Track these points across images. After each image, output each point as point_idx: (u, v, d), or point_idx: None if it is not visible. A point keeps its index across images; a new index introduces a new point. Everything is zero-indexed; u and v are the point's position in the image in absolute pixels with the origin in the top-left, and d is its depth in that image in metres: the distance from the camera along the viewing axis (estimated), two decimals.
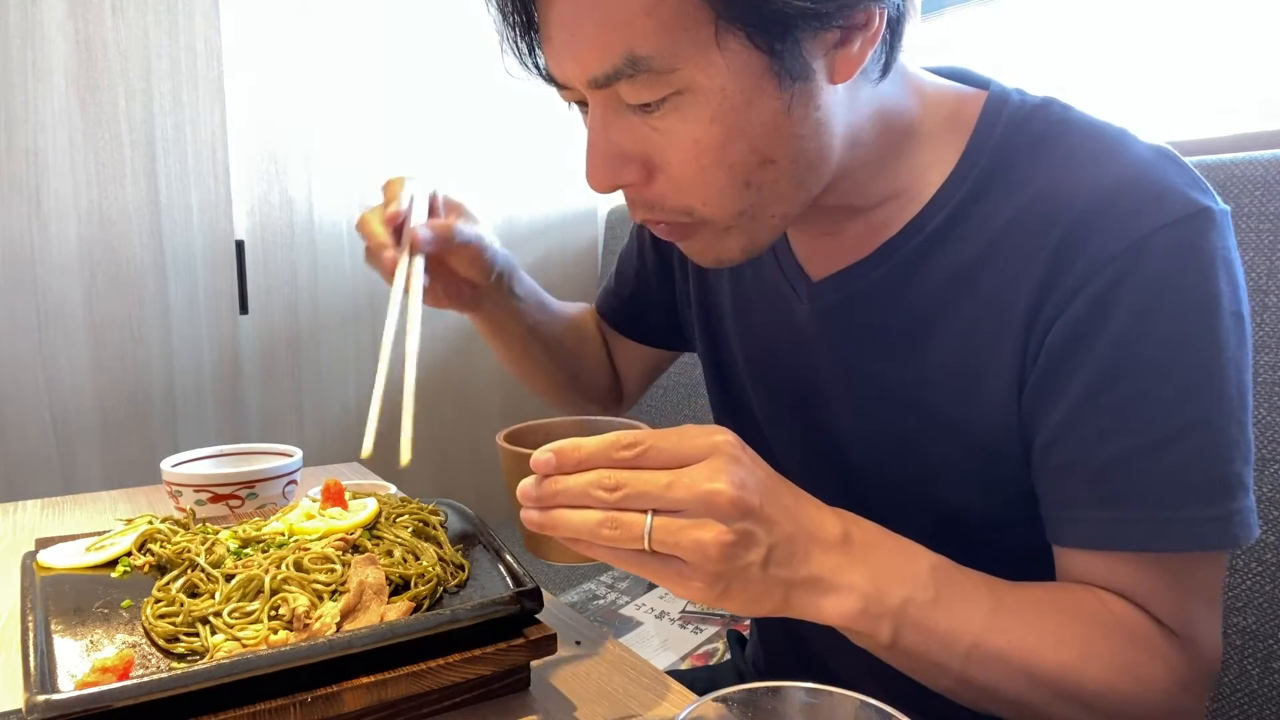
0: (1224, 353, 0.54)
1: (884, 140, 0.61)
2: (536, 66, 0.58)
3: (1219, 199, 0.56)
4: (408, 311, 0.69)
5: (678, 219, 0.58)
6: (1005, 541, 0.63)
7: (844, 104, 0.57)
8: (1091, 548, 0.57)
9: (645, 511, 0.46)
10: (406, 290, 0.70)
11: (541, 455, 0.48)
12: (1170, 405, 0.54)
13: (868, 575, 0.51)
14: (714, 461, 0.47)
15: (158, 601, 0.56)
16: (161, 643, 0.53)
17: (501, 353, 0.93)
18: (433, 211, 0.78)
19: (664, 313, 0.92)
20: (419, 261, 0.72)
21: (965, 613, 0.53)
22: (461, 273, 0.79)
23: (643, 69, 0.51)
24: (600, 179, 0.57)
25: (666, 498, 0.46)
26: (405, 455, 0.61)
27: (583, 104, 0.58)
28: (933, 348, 0.62)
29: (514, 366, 0.94)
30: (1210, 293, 0.54)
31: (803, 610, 0.50)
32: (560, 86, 0.57)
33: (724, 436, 0.48)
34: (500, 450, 0.54)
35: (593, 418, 0.60)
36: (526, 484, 0.48)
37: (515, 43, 0.57)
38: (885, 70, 0.58)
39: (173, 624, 0.54)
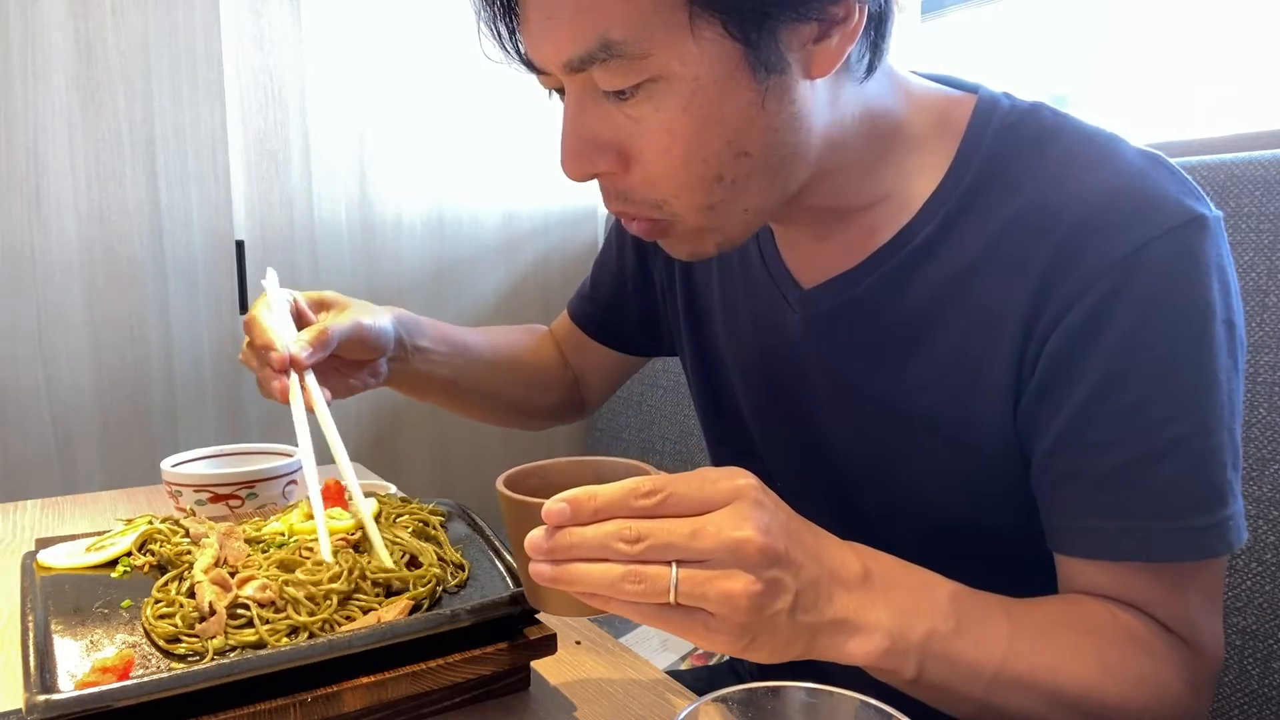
0: (1217, 360, 0.54)
1: (870, 141, 0.61)
2: (517, 51, 0.57)
3: (1211, 205, 0.56)
4: (325, 425, 0.70)
5: (648, 213, 0.58)
6: (997, 549, 0.63)
7: (824, 101, 0.57)
8: (1096, 557, 0.57)
9: (669, 563, 0.44)
10: (310, 410, 0.71)
11: (554, 505, 0.45)
12: (1169, 415, 0.54)
13: (890, 612, 0.50)
14: (738, 507, 0.45)
15: (157, 602, 0.56)
16: (162, 643, 0.53)
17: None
18: (302, 317, 0.77)
19: (640, 319, 0.91)
20: (309, 377, 0.72)
21: (987, 640, 0.52)
22: (355, 359, 0.79)
23: (616, 53, 0.51)
24: (574, 166, 0.57)
25: (692, 548, 0.43)
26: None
27: (561, 91, 0.57)
28: (925, 355, 0.62)
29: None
30: (1205, 301, 0.54)
31: (827, 653, 0.48)
32: (539, 72, 0.57)
33: (745, 480, 0.47)
34: (502, 498, 0.51)
35: (591, 458, 0.57)
36: (537, 536, 0.45)
37: (495, 26, 0.57)
38: (870, 70, 0.58)
39: (174, 625, 0.54)
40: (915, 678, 0.50)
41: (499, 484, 0.52)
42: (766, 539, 0.44)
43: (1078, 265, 0.55)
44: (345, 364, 0.79)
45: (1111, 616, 0.56)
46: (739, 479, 0.46)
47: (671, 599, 0.44)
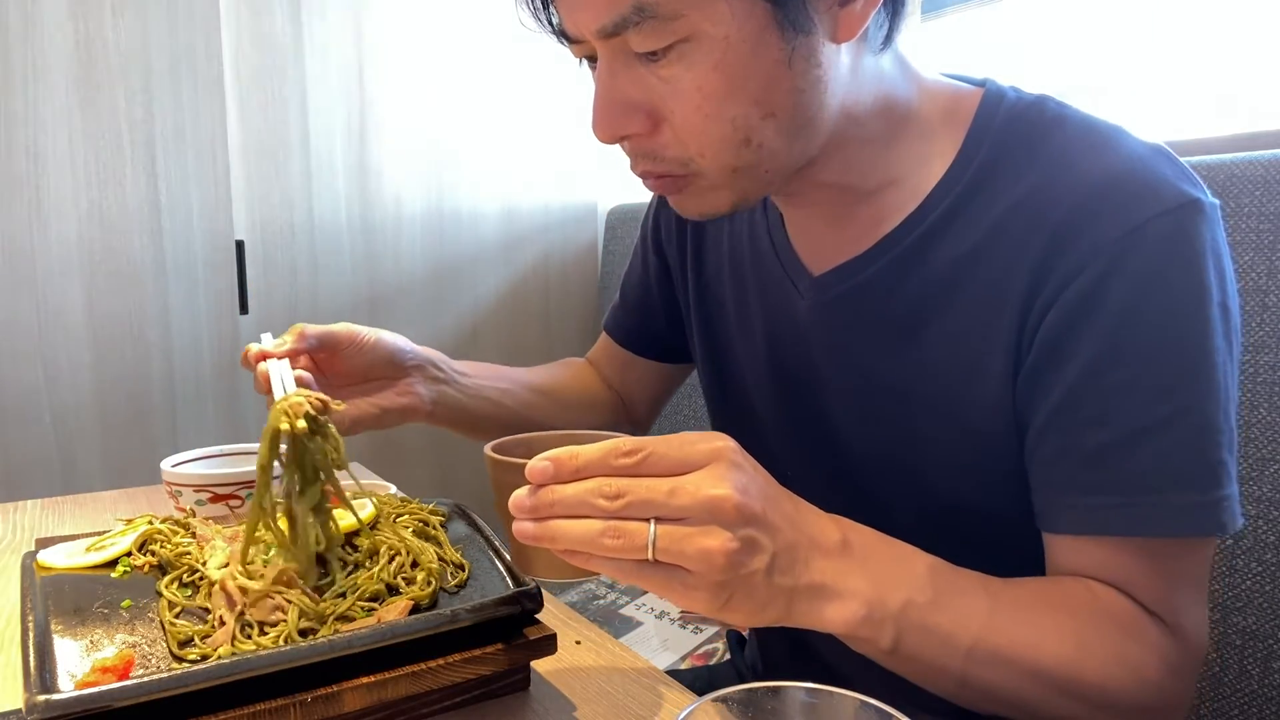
0: (1211, 341, 0.55)
1: (883, 123, 0.63)
2: (550, 22, 0.59)
3: (1209, 193, 0.57)
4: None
5: (674, 170, 0.60)
6: (1002, 534, 0.63)
7: (846, 68, 0.59)
8: (1081, 533, 0.57)
9: (648, 520, 0.45)
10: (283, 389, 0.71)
11: (537, 464, 0.46)
12: (1160, 392, 0.55)
13: (868, 580, 0.51)
14: (716, 467, 0.46)
15: (172, 605, 0.56)
16: (174, 645, 0.53)
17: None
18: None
19: (669, 322, 0.92)
20: (285, 366, 0.72)
21: (964, 612, 0.53)
22: (370, 371, 0.79)
23: (649, 15, 0.53)
24: (606, 128, 0.59)
25: (670, 505, 0.45)
26: None
27: (592, 59, 0.59)
28: (930, 338, 0.63)
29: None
30: (1200, 283, 0.55)
31: (805, 618, 0.50)
32: (571, 41, 0.59)
33: (724, 442, 0.48)
34: (489, 462, 0.52)
35: (577, 432, 0.58)
36: (520, 494, 0.47)
37: None
38: (888, 40, 0.60)
39: (192, 626, 0.54)
40: (892, 648, 0.51)
41: (486, 450, 0.53)
42: (743, 498, 0.45)
43: (1074, 245, 0.56)
44: (367, 384, 0.80)
45: (1091, 595, 0.56)
46: (717, 441, 0.48)
47: (650, 555, 0.45)
